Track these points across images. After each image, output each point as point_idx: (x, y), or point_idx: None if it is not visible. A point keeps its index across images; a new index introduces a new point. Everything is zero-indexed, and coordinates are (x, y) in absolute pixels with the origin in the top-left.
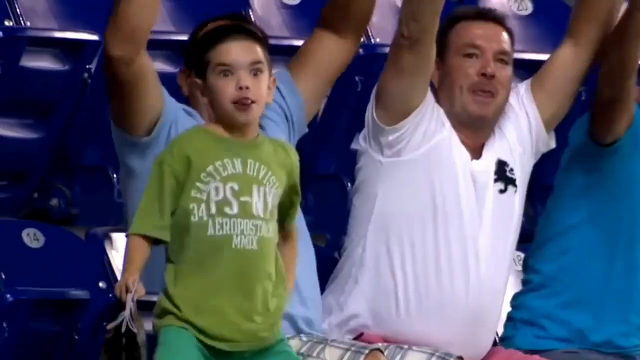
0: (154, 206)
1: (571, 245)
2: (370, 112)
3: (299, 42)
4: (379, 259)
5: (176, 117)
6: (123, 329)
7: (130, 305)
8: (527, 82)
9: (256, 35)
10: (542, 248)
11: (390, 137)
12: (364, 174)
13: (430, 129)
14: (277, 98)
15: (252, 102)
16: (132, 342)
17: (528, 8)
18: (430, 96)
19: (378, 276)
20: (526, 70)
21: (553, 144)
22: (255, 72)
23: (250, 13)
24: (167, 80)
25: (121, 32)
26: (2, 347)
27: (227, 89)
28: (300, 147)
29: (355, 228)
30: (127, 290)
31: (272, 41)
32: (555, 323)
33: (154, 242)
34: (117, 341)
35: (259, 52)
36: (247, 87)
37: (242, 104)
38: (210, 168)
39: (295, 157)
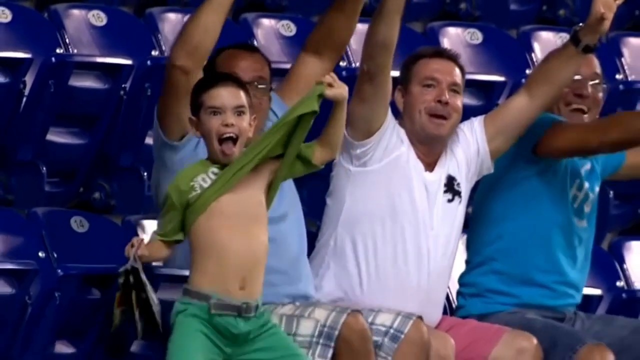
0: (163, 220)
1: (505, 232)
2: (344, 130)
3: None
4: (347, 249)
5: None
6: (128, 267)
7: (133, 253)
8: (482, 117)
9: (241, 83)
10: (480, 233)
11: (358, 151)
12: (336, 180)
13: (390, 146)
14: (271, 116)
15: (235, 137)
16: (138, 279)
17: (479, 38)
18: (390, 118)
19: (346, 263)
20: (477, 88)
21: (492, 170)
22: (239, 113)
23: (255, 42)
24: None
25: (186, 47)
26: (55, 314)
27: (214, 125)
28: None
29: (328, 223)
30: (132, 246)
31: (273, 65)
32: (497, 295)
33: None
34: (127, 282)
35: (242, 97)
36: (232, 124)
37: (223, 153)
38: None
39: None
